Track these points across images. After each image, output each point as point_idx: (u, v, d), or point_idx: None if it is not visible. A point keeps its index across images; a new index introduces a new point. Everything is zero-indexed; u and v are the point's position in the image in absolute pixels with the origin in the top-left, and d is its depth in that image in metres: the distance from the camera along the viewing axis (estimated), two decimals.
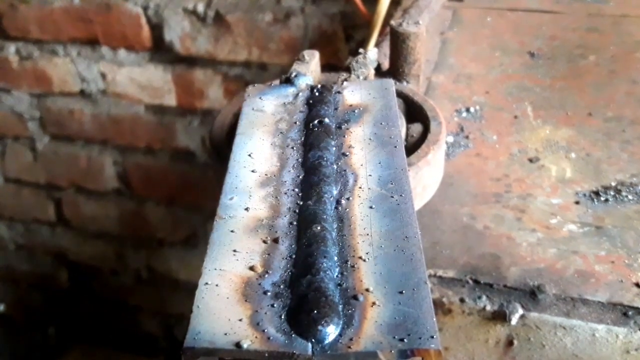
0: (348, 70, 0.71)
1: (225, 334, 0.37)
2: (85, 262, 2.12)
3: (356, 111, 0.59)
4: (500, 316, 0.60)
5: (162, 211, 1.92)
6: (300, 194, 0.49)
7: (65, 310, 2.20)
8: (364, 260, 0.43)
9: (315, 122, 0.57)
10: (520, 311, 0.60)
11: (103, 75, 1.76)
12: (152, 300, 2.09)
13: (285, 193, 0.50)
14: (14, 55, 1.80)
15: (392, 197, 0.48)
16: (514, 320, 0.60)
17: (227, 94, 1.67)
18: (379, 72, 0.76)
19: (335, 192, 0.49)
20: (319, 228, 0.45)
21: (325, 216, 0.46)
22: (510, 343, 0.61)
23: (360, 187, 0.49)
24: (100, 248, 2.06)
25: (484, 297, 0.62)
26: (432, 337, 0.37)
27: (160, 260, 2.01)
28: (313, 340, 0.37)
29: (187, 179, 1.85)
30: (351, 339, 0.37)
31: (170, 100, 1.74)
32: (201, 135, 1.75)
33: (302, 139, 0.56)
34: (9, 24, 1.75)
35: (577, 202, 0.72)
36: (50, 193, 2.02)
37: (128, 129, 1.82)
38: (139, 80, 1.73)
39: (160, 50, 1.66)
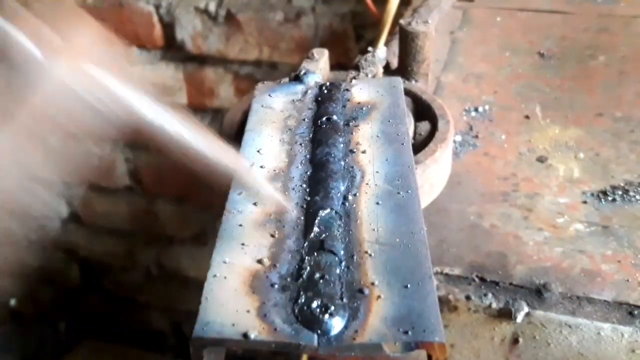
0: (357, 68, 0.71)
1: (233, 325, 0.38)
2: (96, 258, 2.13)
3: (364, 109, 0.60)
4: (506, 314, 0.61)
5: (173, 209, 1.94)
6: (308, 190, 0.50)
7: (76, 306, 2.22)
8: (370, 255, 0.43)
9: (324, 119, 0.58)
10: (526, 309, 0.60)
11: None
12: (161, 296, 2.10)
13: (293, 189, 0.50)
14: None
15: (398, 193, 0.49)
16: (520, 318, 0.60)
17: (237, 93, 1.68)
18: (388, 70, 0.76)
19: (342, 188, 0.50)
20: None
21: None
22: (515, 341, 0.61)
23: (367, 184, 0.50)
24: (111, 245, 2.07)
25: (490, 295, 0.62)
26: (437, 330, 0.37)
27: (170, 257, 2.03)
28: (319, 331, 0.38)
29: (197, 177, 1.86)
30: (356, 331, 0.38)
31: (181, 98, 1.75)
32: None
33: (311, 135, 0.57)
34: None
35: (584, 202, 0.72)
36: (63, 190, 2.04)
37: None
38: (150, 78, 1.74)
39: (171, 48, 1.67)
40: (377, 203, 0.48)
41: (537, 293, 0.61)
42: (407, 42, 0.72)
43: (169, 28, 1.64)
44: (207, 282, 0.41)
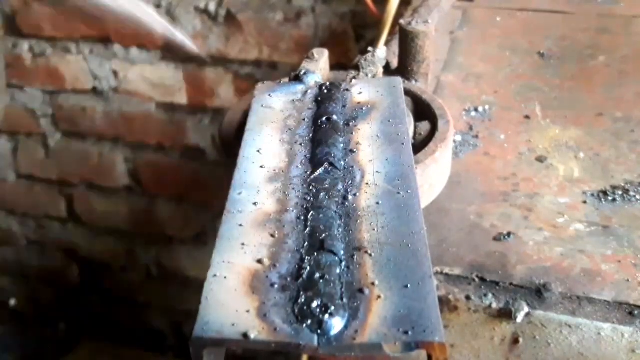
0: (357, 68, 0.71)
1: (233, 325, 0.38)
2: (95, 258, 2.13)
3: (364, 108, 0.60)
4: (506, 314, 0.61)
5: (172, 208, 1.94)
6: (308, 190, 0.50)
7: (76, 305, 2.22)
8: (370, 255, 0.43)
9: (324, 119, 0.58)
10: (526, 309, 0.60)
11: (115, 73, 1.77)
12: (161, 297, 2.11)
13: (294, 189, 0.50)
14: (27, 53, 1.82)
15: (398, 193, 0.49)
16: (520, 318, 0.60)
17: (237, 93, 1.68)
18: (388, 70, 0.76)
19: (342, 188, 0.50)
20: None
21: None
22: (515, 341, 0.61)
23: (367, 183, 0.50)
24: (111, 244, 2.07)
25: (490, 295, 0.62)
26: (437, 330, 0.37)
27: (169, 257, 2.03)
28: (319, 331, 0.38)
29: (197, 176, 1.86)
30: (356, 331, 0.38)
31: (181, 98, 1.75)
32: (211, 133, 1.76)
33: (311, 135, 0.57)
34: (22, 22, 1.77)
35: (584, 202, 0.72)
36: (62, 189, 2.04)
37: (139, 127, 1.84)
38: (150, 79, 1.74)
39: (171, 48, 1.67)
40: (377, 203, 0.48)
41: (537, 293, 0.61)
42: (407, 42, 0.72)
43: None
44: (207, 282, 0.41)
